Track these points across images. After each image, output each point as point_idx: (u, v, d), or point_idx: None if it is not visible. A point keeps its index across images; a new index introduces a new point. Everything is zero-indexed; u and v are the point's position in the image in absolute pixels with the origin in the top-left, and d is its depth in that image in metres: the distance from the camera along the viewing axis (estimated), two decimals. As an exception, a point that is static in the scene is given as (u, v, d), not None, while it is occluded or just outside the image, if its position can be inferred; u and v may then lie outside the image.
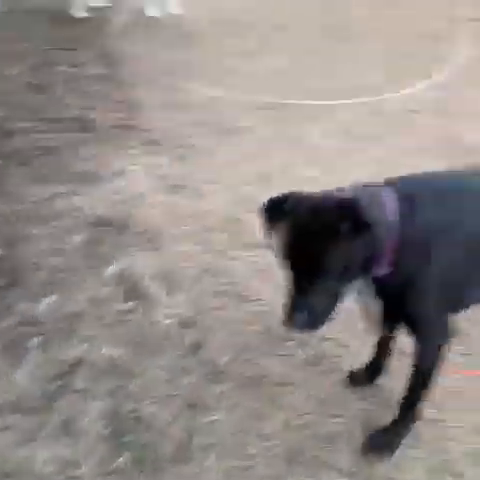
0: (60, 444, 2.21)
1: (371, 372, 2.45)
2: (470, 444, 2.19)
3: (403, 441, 2.19)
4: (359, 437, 2.22)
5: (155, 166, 4.01)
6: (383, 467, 2.13)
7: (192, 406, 2.37)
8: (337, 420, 2.30)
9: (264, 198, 3.59)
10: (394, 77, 5.26)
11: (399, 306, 2.02)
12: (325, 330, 2.64)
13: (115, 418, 2.32)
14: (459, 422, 2.27)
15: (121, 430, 2.28)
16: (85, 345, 2.61)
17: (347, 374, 2.47)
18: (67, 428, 2.27)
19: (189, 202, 3.66)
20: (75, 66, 5.53)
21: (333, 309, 1.85)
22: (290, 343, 2.65)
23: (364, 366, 2.47)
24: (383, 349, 2.40)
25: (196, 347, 2.64)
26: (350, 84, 5.16)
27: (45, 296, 2.86)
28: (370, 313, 2.12)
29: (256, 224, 3.44)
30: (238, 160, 4.11)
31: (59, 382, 2.44)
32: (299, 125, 4.53)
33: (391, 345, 2.39)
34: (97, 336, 2.66)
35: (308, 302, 1.79)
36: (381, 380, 2.45)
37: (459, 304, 2.10)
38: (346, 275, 1.81)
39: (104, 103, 4.86)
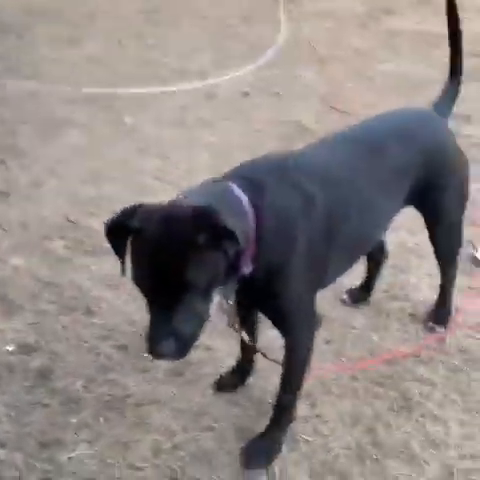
0: None
1: (240, 373, 2.30)
2: (350, 437, 2.12)
3: (282, 445, 2.07)
4: (235, 448, 2.08)
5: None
6: (265, 478, 1.99)
7: (47, 444, 2.09)
8: (211, 434, 2.13)
9: (102, 196, 3.44)
10: (221, 60, 5.14)
11: (265, 301, 1.89)
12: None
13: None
14: (335, 415, 2.20)
15: (-34, 485, 1.97)
16: None
17: (215, 380, 2.31)
18: None
19: (18, 210, 3.30)
20: None
21: (201, 329, 1.67)
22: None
23: (231, 368, 2.32)
24: (249, 348, 2.27)
25: (44, 375, 2.35)
26: (177, 69, 4.98)
27: None
28: (230, 313, 1.96)
29: (98, 227, 3.22)
30: (68, 158, 3.79)
31: None
32: (130, 115, 4.28)
33: (256, 343, 2.27)
34: None
35: (173, 327, 1.59)
36: (251, 380, 2.32)
37: (320, 285, 2.00)
38: (211, 288, 1.63)
39: None
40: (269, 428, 2.07)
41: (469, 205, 2.44)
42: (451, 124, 2.32)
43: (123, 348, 2.47)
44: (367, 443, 2.10)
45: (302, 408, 2.18)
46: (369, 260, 2.63)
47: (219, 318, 1.91)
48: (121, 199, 3.37)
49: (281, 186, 1.81)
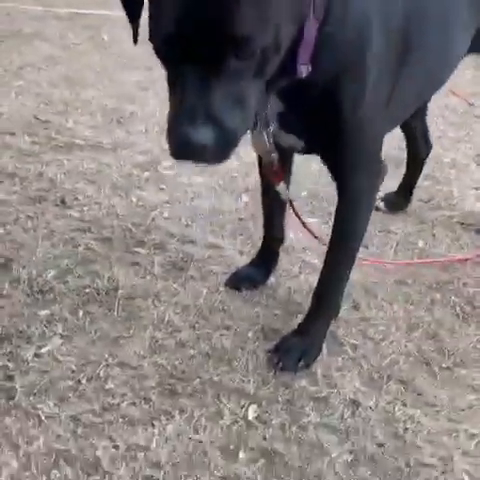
0: None
1: (262, 268, 1.79)
2: (409, 343, 1.63)
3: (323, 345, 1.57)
4: (260, 349, 1.57)
5: None
6: (305, 381, 1.48)
7: (6, 338, 1.55)
8: (227, 332, 1.62)
9: (78, 99, 2.90)
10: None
11: (322, 124, 1.34)
12: (182, 227, 2.03)
13: None
14: (386, 320, 1.70)
15: None
16: None
17: (229, 276, 1.79)
18: None
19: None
20: None
21: (251, 119, 1.16)
22: (142, 249, 1.91)
23: (250, 262, 1.81)
24: (277, 228, 1.76)
25: (4, 265, 1.80)
26: None
27: None
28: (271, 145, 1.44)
29: (73, 125, 2.69)
30: (37, 64, 3.24)
31: None
32: (107, 32, 3.75)
33: (284, 221, 1.76)
34: None
35: (214, 109, 1.07)
36: (272, 280, 1.82)
37: (399, 118, 1.53)
38: (267, 58, 1.10)
39: None
40: (307, 320, 1.56)
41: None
42: None
43: (107, 241, 1.95)
44: (431, 350, 1.61)
45: (344, 310, 1.69)
46: (412, 153, 2.17)
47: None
48: (101, 103, 2.86)
49: None
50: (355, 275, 1.69)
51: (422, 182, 2.31)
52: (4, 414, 1.37)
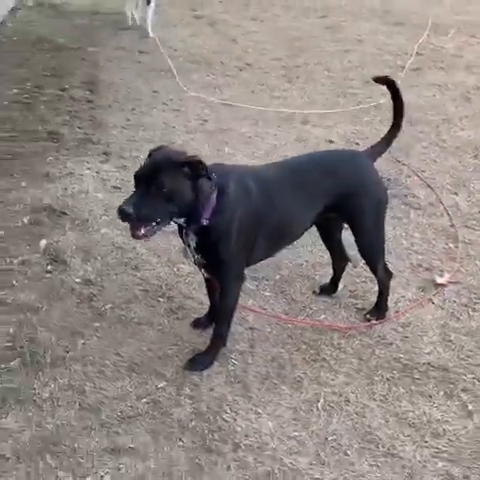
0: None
1: (210, 317, 3.27)
2: (264, 368, 3.02)
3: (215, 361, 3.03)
4: (188, 355, 3.08)
5: (102, 172, 4.92)
6: (194, 376, 2.96)
7: (73, 333, 3.23)
8: (176, 347, 3.14)
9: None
10: (328, 113, 6.13)
11: (211, 255, 2.86)
12: (191, 291, 3.55)
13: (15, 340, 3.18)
14: (262, 354, 3.10)
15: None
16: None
17: (193, 319, 3.31)
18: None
19: (120, 199, 4.51)
20: (61, 90, 6.50)
21: (156, 216, 2.65)
22: (161, 299, 3.50)
23: (205, 315, 3.30)
24: (214, 296, 3.22)
25: (90, 298, 3.50)
26: (284, 117, 6.05)
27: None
28: (193, 261, 2.96)
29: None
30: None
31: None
32: (231, 148, 5.42)
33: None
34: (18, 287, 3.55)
35: (136, 203, 2.60)
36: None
37: (249, 258, 2.95)
38: (172, 197, 2.61)
39: (76, 120, 5.80)
40: (208, 348, 3.04)
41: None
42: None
43: (145, 291, 3.56)
44: (273, 372, 2.99)
45: (243, 346, 3.13)
46: (334, 265, 3.49)
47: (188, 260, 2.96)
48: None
49: (237, 183, 2.82)
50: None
51: (358, 279, 3.61)
52: (57, 366, 3.02)
